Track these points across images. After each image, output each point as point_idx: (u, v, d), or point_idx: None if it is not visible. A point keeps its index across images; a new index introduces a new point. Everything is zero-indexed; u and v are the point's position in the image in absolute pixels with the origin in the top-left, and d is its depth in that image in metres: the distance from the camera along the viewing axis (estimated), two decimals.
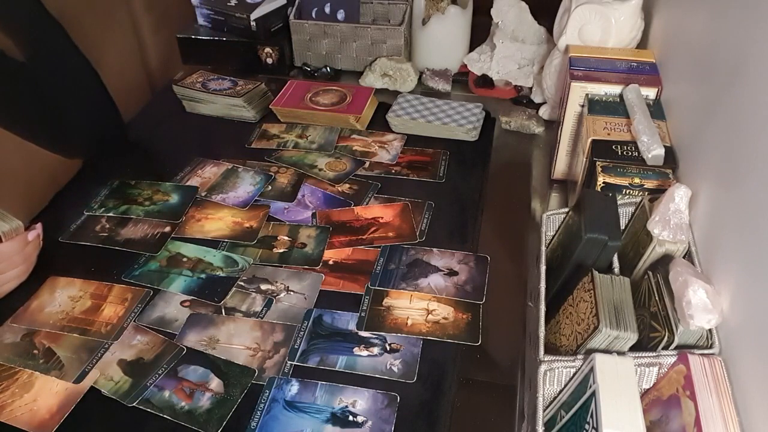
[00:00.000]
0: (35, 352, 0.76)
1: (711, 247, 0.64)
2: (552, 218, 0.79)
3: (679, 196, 0.65)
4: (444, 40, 1.26)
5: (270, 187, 1.01)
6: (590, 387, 0.54)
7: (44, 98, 0.96)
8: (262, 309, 0.81)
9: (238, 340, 0.77)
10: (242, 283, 0.84)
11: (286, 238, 0.92)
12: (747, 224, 0.56)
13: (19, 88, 0.94)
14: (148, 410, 0.70)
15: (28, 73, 0.94)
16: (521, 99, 1.22)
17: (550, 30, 1.09)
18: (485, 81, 1.24)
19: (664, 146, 0.76)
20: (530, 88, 1.23)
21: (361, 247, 0.90)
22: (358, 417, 0.68)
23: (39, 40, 0.96)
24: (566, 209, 0.75)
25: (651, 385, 0.59)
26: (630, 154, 0.78)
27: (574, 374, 0.59)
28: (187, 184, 1.02)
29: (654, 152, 0.76)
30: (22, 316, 0.81)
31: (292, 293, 0.83)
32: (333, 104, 1.16)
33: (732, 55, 0.65)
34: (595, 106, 0.87)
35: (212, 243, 0.91)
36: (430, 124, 1.12)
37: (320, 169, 1.05)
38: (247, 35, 1.30)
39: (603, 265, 0.66)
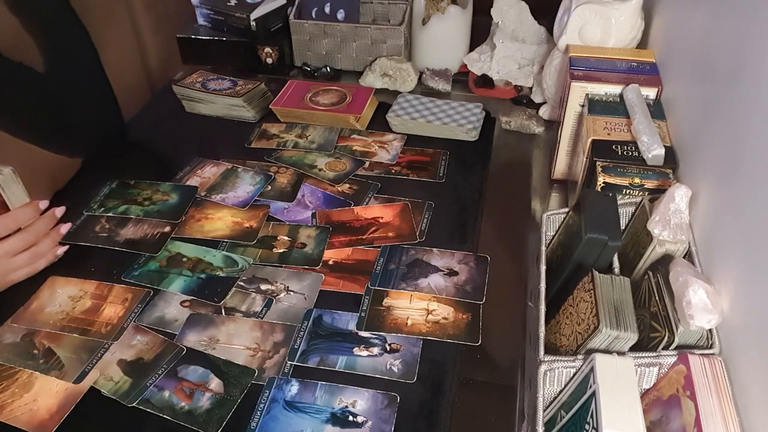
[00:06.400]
0: (35, 352, 0.76)
1: (711, 247, 0.64)
2: (552, 218, 0.79)
3: (679, 196, 0.65)
4: (444, 40, 1.26)
5: (270, 187, 1.01)
6: (590, 387, 0.54)
7: (51, 99, 0.96)
8: (262, 309, 0.81)
9: (237, 340, 0.77)
10: (242, 283, 0.84)
11: (286, 238, 0.92)
12: (747, 224, 0.56)
13: (19, 90, 0.94)
14: (148, 410, 0.70)
15: (27, 74, 0.94)
16: (521, 99, 1.22)
17: (550, 30, 1.09)
18: (485, 81, 1.24)
19: (664, 146, 0.76)
20: (530, 88, 1.23)
21: (361, 247, 0.90)
22: (358, 417, 0.68)
23: (59, 38, 0.95)
24: (566, 209, 0.75)
25: (651, 385, 0.59)
26: (630, 154, 0.78)
27: (574, 374, 0.59)
28: (187, 184, 1.02)
29: (654, 152, 0.76)
30: (22, 316, 0.81)
31: (292, 293, 0.83)
32: (333, 104, 1.16)
33: (732, 55, 0.65)
34: (595, 106, 0.87)
35: (212, 243, 0.91)
36: (430, 124, 1.12)
37: (320, 169, 1.05)
38: (246, 35, 1.29)
39: (603, 265, 0.66)
